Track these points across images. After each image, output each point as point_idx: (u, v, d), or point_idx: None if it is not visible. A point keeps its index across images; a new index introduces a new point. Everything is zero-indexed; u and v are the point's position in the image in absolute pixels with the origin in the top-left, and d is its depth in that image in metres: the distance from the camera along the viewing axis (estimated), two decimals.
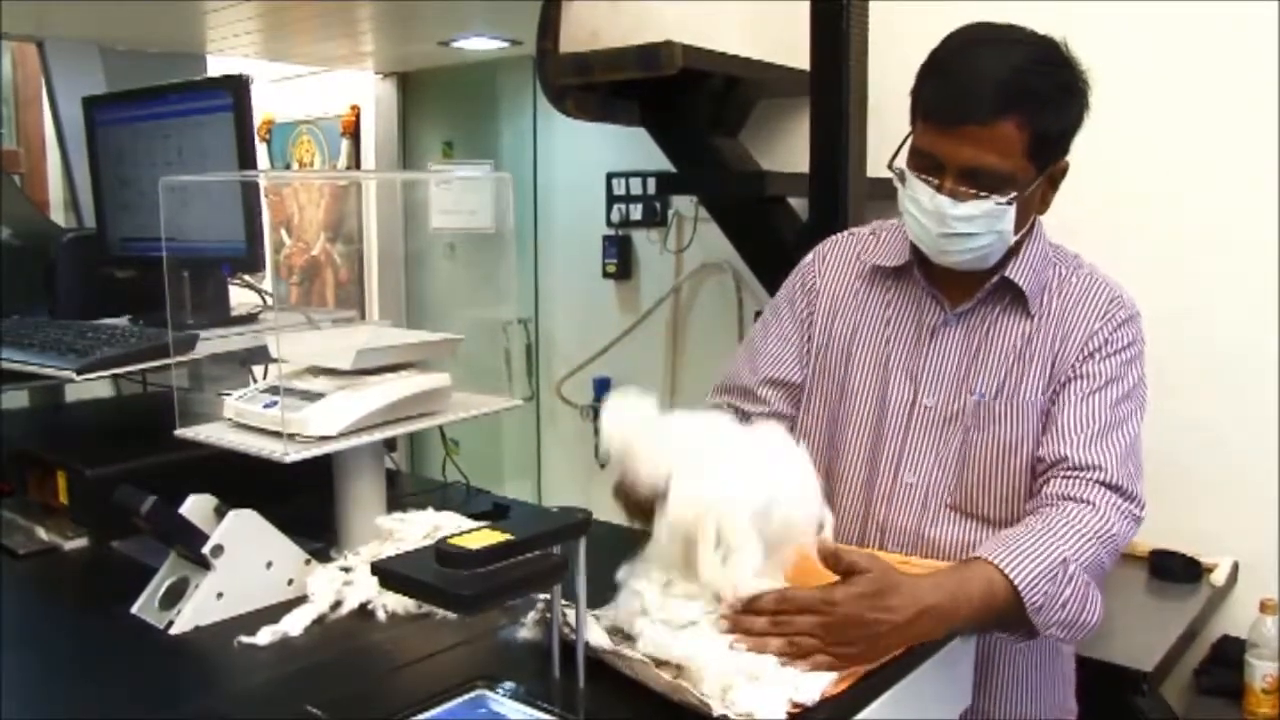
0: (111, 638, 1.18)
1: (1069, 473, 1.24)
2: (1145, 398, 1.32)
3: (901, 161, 1.28)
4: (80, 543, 1.47)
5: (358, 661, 1.10)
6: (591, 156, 3.34)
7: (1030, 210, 1.29)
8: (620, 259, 3.32)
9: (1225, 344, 2.07)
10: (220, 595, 1.18)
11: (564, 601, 1.01)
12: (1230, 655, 1.96)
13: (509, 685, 1.00)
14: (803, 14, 2.00)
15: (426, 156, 4.11)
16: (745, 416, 1.47)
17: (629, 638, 1.02)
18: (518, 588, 0.99)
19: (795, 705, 0.93)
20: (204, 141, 1.72)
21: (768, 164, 2.57)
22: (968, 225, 1.24)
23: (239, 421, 1.32)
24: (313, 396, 1.28)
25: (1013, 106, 1.18)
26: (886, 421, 1.35)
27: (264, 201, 1.88)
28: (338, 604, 1.19)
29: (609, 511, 1.17)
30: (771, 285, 1.62)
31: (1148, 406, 1.32)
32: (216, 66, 3.39)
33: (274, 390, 1.32)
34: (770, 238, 2.35)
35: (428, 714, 0.96)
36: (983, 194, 1.22)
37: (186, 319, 1.66)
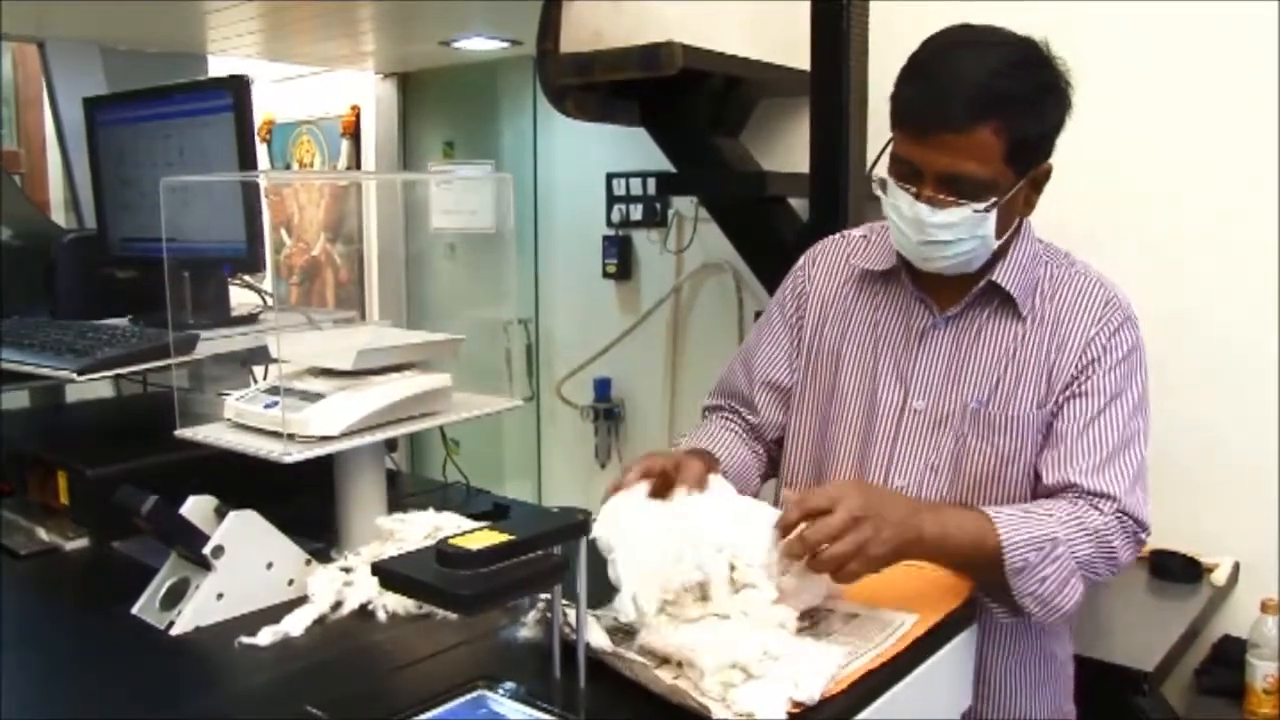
0: (112, 638, 1.18)
1: (1078, 498, 1.24)
2: (1149, 405, 1.31)
3: (883, 168, 1.28)
4: (81, 543, 1.47)
5: (358, 662, 1.10)
6: (591, 156, 3.33)
7: (1013, 214, 1.27)
8: (620, 259, 3.31)
9: (1225, 344, 2.06)
10: (221, 596, 1.18)
11: (564, 602, 1.01)
12: (1231, 655, 1.96)
13: (509, 685, 0.99)
14: (803, 14, 2.01)
15: (427, 157, 4.10)
16: (742, 420, 1.48)
17: (630, 635, 1.02)
18: (518, 588, 0.99)
19: (795, 705, 0.93)
20: (205, 142, 1.72)
21: (768, 164, 2.57)
22: (947, 233, 1.23)
23: (239, 422, 1.32)
24: (313, 397, 1.28)
25: (989, 112, 1.17)
26: (876, 425, 1.35)
27: (264, 202, 1.88)
28: (338, 604, 1.19)
29: None
30: (771, 285, 1.62)
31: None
32: (217, 67, 3.39)
33: (274, 390, 1.32)
34: (770, 238, 2.35)
35: (428, 714, 0.95)
36: (961, 201, 1.20)
37: (187, 319, 1.66)
